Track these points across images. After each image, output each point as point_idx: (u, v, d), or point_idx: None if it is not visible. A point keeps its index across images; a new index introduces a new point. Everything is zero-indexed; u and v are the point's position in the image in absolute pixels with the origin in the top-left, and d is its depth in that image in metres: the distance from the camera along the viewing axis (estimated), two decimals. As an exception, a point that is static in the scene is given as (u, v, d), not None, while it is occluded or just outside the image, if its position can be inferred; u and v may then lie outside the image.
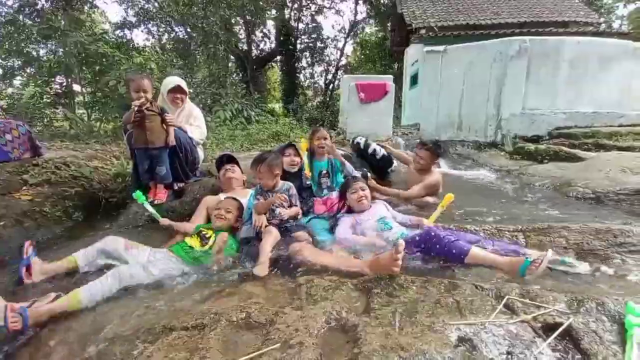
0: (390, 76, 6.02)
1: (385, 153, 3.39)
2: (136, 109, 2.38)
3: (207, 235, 1.93)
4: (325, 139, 2.64)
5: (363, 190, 2.06)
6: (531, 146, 4.67)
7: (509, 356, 0.91)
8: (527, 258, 1.37)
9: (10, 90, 9.50)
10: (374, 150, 3.58)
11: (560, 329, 0.97)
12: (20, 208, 2.17)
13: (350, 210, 2.10)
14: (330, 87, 18.68)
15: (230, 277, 1.66)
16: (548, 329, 1.01)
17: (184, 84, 2.90)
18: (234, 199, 2.13)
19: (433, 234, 1.58)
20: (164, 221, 2.21)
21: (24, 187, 2.40)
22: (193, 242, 1.90)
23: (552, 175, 3.61)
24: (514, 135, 5.23)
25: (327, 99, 18.31)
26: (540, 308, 1.06)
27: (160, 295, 1.52)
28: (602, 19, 11.39)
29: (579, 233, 1.71)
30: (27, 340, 1.24)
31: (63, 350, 1.15)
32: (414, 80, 10.10)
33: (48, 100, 8.35)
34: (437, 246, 1.53)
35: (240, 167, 2.63)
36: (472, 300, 1.13)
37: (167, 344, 1.12)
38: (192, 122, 2.92)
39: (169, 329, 1.20)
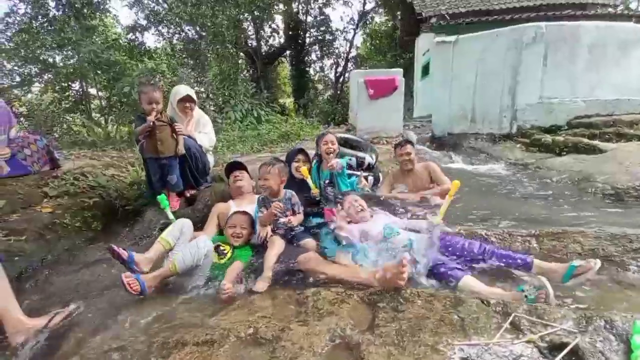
0: (400, 70, 5.91)
1: (372, 161, 3.21)
2: (152, 123, 2.45)
3: (224, 251, 1.97)
4: (332, 143, 2.63)
5: (356, 201, 2.06)
6: (548, 138, 4.51)
7: (513, 379, 0.91)
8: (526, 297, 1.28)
9: (29, 96, 9.90)
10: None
11: (566, 350, 0.96)
12: (41, 221, 2.27)
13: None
14: (341, 79, 18.51)
15: (239, 288, 1.70)
16: (554, 348, 1.00)
17: (192, 93, 2.94)
18: (244, 212, 2.16)
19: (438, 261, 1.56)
20: None
21: (45, 200, 2.52)
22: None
23: (570, 170, 3.48)
24: (531, 126, 5.06)
25: (338, 92, 18.19)
26: (547, 327, 1.04)
27: (174, 305, 1.58)
28: (619, 0, 10.74)
29: (595, 238, 1.66)
30: (48, 356, 1.31)
31: (83, 366, 1.22)
32: (426, 70, 9.86)
33: (67, 106, 8.67)
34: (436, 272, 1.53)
35: (248, 173, 2.66)
36: (478, 317, 1.12)
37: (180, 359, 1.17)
38: (201, 129, 2.97)
39: (181, 344, 1.25)
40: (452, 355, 0.97)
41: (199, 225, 2.61)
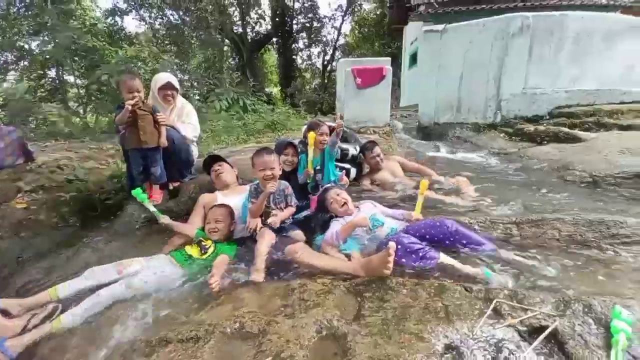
0: (388, 59, 5.84)
1: (355, 153, 3.23)
2: (130, 108, 2.35)
3: (206, 246, 1.94)
4: (326, 134, 2.60)
5: (339, 195, 2.04)
6: (530, 127, 4.60)
7: (494, 363, 0.93)
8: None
9: (4, 85, 9.40)
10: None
11: (545, 333, 0.99)
12: (15, 217, 2.18)
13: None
14: (328, 68, 18.30)
15: (225, 281, 1.68)
16: (534, 332, 1.03)
17: (174, 81, 2.83)
18: (221, 205, 2.12)
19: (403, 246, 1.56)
20: (164, 219, 2.16)
21: (19, 195, 2.41)
22: (193, 251, 1.92)
23: (550, 158, 3.57)
24: (514, 115, 5.15)
25: (326, 81, 18.00)
26: (527, 311, 1.06)
27: (158, 303, 1.55)
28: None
29: (572, 225, 1.70)
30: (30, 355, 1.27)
31: (63, 365, 1.19)
32: (413, 59, 9.83)
33: (43, 95, 8.27)
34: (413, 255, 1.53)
35: (228, 163, 2.61)
36: (461, 304, 1.14)
37: (164, 358, 1.15)
38: (184, 119, 2.87)
39: (165, 341, 1.23)
40: (436, 343, 0.99)
41: (184, 218, 2.57)
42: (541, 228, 1.76)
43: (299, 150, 2.80)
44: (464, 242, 1.65)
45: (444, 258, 1.49)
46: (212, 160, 2.52)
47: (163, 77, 2.82)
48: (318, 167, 2.55)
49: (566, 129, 4.16)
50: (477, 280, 1.37)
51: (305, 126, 3.28)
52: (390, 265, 1.36)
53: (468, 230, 1.72)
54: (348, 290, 1.39)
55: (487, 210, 2.14)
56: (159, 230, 2.49)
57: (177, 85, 2.88)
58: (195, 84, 7.37)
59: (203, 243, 1.98)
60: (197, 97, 7.00)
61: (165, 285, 1.71)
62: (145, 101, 2.47)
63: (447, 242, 1.66)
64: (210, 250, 1.95)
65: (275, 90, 19.09)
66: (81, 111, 7.73)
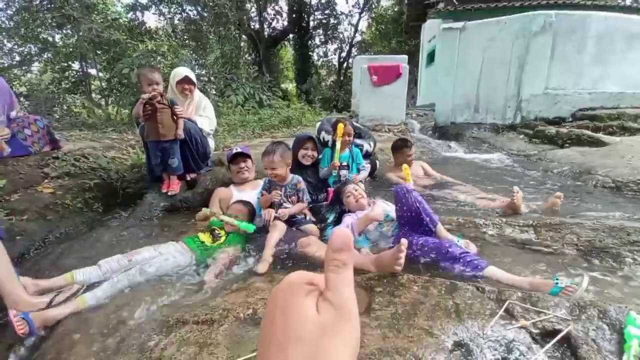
0: (405, 56, 5.81)
1: (370, 149, 3.21)
2: (144, 101, 2.42)
3: (219, 235, 1.99)
4: (350, 135, 2.62)
5: (356, 190, 2.06)
6: (552, 129, 4.48)
7: (504, 363, 0.93)
8: (557, 284, 1.26)
9: (28, 76, 9.78)
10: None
11: (558, 337, 0.98)
12: (42, 201, 2.28)
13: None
14: (344, 65, 18.20)
15: (239, 271, 1.73)
16: (547, 335, 1.02)
17: (192, 75, 2.90)
18: (244, 203, 2.17)
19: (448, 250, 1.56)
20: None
21: (46, 180, 2.52)
22: (205, 237, 1.98)
23: (572, 162, 3.47)
24: (535, 117, 5.02)
25: (341, 78, 17.91)
26: (541, 314, 1.06)
27: (173, 287, 1.61)
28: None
29: (592, 230, 1.66)
30: (51, 332, 1.35)
31: (86, 341, 1.25)
32: (431, 58, 9.68)
33: (67, 86, 8.57)
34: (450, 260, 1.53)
35: (252, 160, 2.65)
36: (472, 303, 1.14)
37: (180, 338, 1.20)
38: (201, 113, 2.94)
39: (182, 322, 1.29)
40: (445, 339, 1.00)
41: (199, 209, 2.64)
42: (559, 232, 1.73)
43: (322, 144, 2.84)
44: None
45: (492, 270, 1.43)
46: (239, 155, 2.52)
47: (181, 72, 2.89)
48: (345, 163, 2.57)
49: (589, 132, 4.03)
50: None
51: (319, 124, 3.31)
52: (402, 261, 1.37)
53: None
54: (359, 285, 1.41)
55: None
56: (177, 218, 2.58)
57: (194, 79, 2.94)
58: (212, 78, 7.48)
59: (216, 231, 2.04)
60: (214, 92, 7.11)
61: (179, 270, 1.77)
62: (164, 94, 2.53)
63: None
64: (222, 239, 2.00)
65: (290, 86, 19.14)
66: (103, 103, 8.00)
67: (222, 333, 1.19)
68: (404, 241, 1.38)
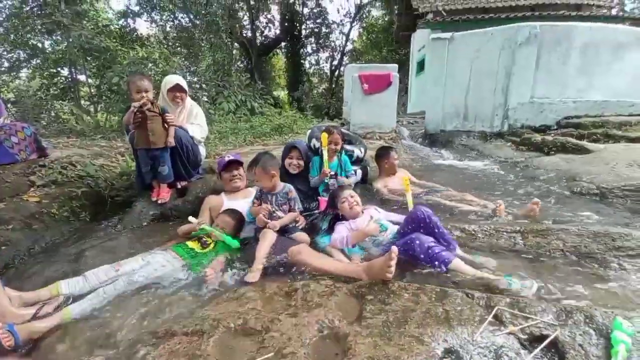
0: (395, 65, 5.91)
1: (360, 155, 3.25)
2: (135, 110, 2.40)
3: (207, 242, 1.98)
4: (337, 143, 2.64)
5: (352, 197, 2.07)
6: (538, 137, 4.58)
7: (493, 369, 0.94)
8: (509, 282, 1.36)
9: (17, 82, 9.61)
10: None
11: (545, 342, 0.99)
12: (28, 210, 2.23)
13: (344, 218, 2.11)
14: (336, 73, 18.43)
15: (229, 280, 1.71)
16: (535, 340, 1.03)
17: (183, 83, 2.90)
18: (232, 213, 2.16)
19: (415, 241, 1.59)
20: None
21: (32, 189, 2.47)
22: (194, 244, 1.96)
23: (557, 168, 3.55)
24: (521, 125, 5.14)
25: (333, 86, 18.11)
26: (529, 320, 1.07)
27: (161, 297, 1.58)
28: (615, 1, 10.91)
29: (577, 236, 1.70)
30: (36, 345, 1.31)
31: (72, 355, 1.22)
32: (421, 66, 9.87)
33: (55, 93, 8.45)
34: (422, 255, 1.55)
35: (244, 168, 2.63)
36: (462, 310, 1.15)
37: (169, 350, 1.18)
38: (192, 120, 2.93)
39: (170, 334, 1.26)
40: (435, 347, 1.00)
41: (187, 219, 2.61)
42: (545, 238, 1.76)
43: (310, 152, 2.84)
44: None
45: (458, 263, 1.50)
46: (232, 163, 2.49)
47: (172, 80, 2.89)
48: (333, 173, 2.57)
49: (574, 140, 4.14)
50: (496, 286, 1.36)
51: (309, 131, 3.33)
52: (392, 269, 1.38)
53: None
54: (350, 293, 1.41)
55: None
56: (166, 227, 2.54)
57: (185, 87, 2.94)
58: (204, 85, 7.48)
59: (204, 239, 2.02)
60: (206, 99, 7.11)
61: (168, 279, 1.74)
62: (154, 102, 2.52)
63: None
64: (211, 247, 1.99)
65: (282, 94, 19.25)
66: (92, 110, 7.89)
67: (212, 344, 1.17)
68: (394, 249, 1.39)
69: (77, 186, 2.73)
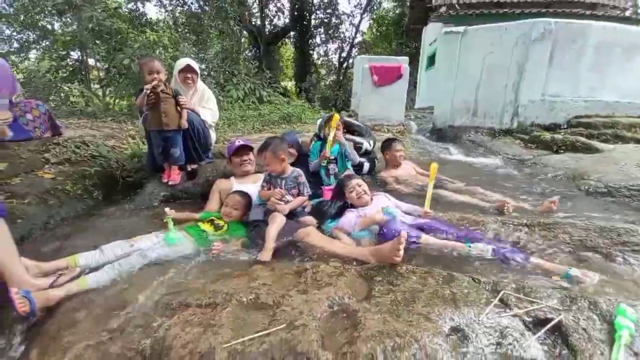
0: (406, 58, 5.86)
1: (369, 147, 3.27)
2: (148, 91, 2.43)
3: (220, 224, 2.02)
4: (338, 129, 2.66)
5: (360, 186, 2.09)
6: (547, 135, 4.56)
7: (498, 347, 0.98)
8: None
9: (26, 63, 9.65)
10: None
11: (550, 325, 1.03)
12: (43, 186, 2.28)
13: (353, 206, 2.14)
14: (345, 65, 18.24)
15: (240, 258, 1.76)
16: (539, 323, 1.07)
17: (194, 64, 2.92)
18: (242, 194, 2.19)
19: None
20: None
21: (47, 166, 2.52)
22: (206, 227, 2.00)
23: (566, 167, 3.55)
24: (531, 123, 5.10)
25: (341, 78, 17.96)
26: (533, 304, 1.10)
27: (176, 274, 1.63)
28: (629, 3, 10.67)
29: (584, 230, 1.72)
30: (55, 310, 1.36)
31: (89, 322, 1.27)
32: (431, 61, 9.77)
33: (64, 75, 8.48)
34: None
35: (254, 153, 2.66)
36: (469, 292, 1.18)
37: (183, 319, 1.23)
38: (204, 104, 2.96)
39: (184, 305, 1.31)
40: (442, 324, 1.04)
41: (198, 200, 2.67)
42: (552, 231, 1.79)
43: (312, 140, 2.87)
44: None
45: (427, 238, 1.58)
46: (242, 147, 2.51)
47: (183, 61, 2.91)
48: (333, 157, 2.60)
49: (583, 139, 4.12)
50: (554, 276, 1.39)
51: (320, 120, 3.35)
52: (401, 252, 1.41)
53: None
54: (359, 274, 1.45)
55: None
56: (177, 208, 2.59)
57: (197, 68, 2.95)
58: (212, 73, 7.48)
59: (216, 222, 2.07)
60: (214, 86, 7.11)
61: (180, 255, 1.80)
62: (168, 84, 2.55)
63: None
64: (225, 228, 2.03)
65: (290, 84, 19.14)
66: (101, 93, 7.93)
67: (225, 316, 1.21)
68: (404, 233, 1.43)
69: (90, 165, 2.78)
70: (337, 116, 2.51)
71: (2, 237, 1.45)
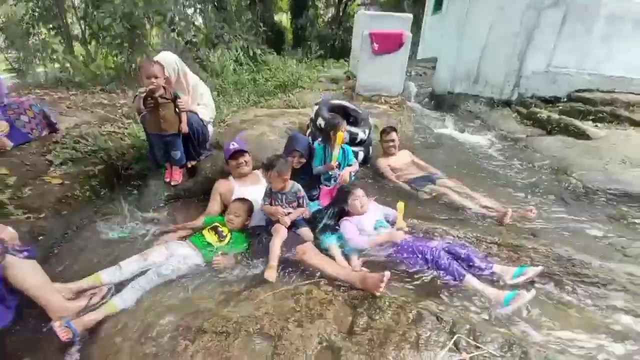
0: (410, 16, 5.42)
1: (364, 137, 3.31)
2: (143, 95, 2.40)
3: (223, 233, 2.23)
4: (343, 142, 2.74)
5: (363, 196, 2.27)
6: (544, 113, 4.56)
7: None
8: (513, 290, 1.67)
9: (4, 7, 8.81)
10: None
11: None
12: (54, 195, 2.42)
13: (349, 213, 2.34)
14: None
15: (243, 275, 2.03)
16: (480, 366, 1.37)
17: (167, 61, 2.63)
18: (243, 201, 2.35)
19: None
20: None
21: (51, 169, 2.61)
22: (210, 237, 2.21)
23: (553, 155, 3.68)
24: (532, 94, 5.03)
25: (340, 14, 16.40)
26: (478, 349, 1.40)
27: (189, 293, 1.90)
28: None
29: (544, 257, 1.97)
30: (94, 335, 1.65)
31: (128, 347, 1.57)
32: (439, 4, 8.94)
33: (42, 14, 7.77)
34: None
35: (249, 153, 2.73)
36: (429, 335, 1.46)
37: (203, 346, 1.52)
38: (199, 101, 2.92)
39: (202, 331, 1.60)
40: (405, 370, 1.34)
41: (200, 197, 2.84)
42: (517, 253, 2.04)
43: (319, 130, 2.97)
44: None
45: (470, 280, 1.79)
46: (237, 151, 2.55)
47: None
48: (337, 164, 2.72)
49: (577, 123, 4.15)
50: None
51: (316, 108, 3.34)
52: (382, 289, 1.67)
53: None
54: (345, 303, 1.73)
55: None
56: (184, 207, 2.79)
57: (172, 64, 2.69)
58: (202, 27, 6.87)
59: (219, 229, 2.28)
60: (206, 45, 6.55)
61: (191, 273, 2.05)
62: (167, 88, 2.49)
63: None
64: (227, 238, 2.25)
65: (284, 18, 17.50)
66: (84, 54, 7.38)
67: (236, 346, 1.51)
68: (387, 274, 1.67)
69: (92, 162, 2.86)
70: (341, 134, 2.58)
71: (36, 275, 1.67)
